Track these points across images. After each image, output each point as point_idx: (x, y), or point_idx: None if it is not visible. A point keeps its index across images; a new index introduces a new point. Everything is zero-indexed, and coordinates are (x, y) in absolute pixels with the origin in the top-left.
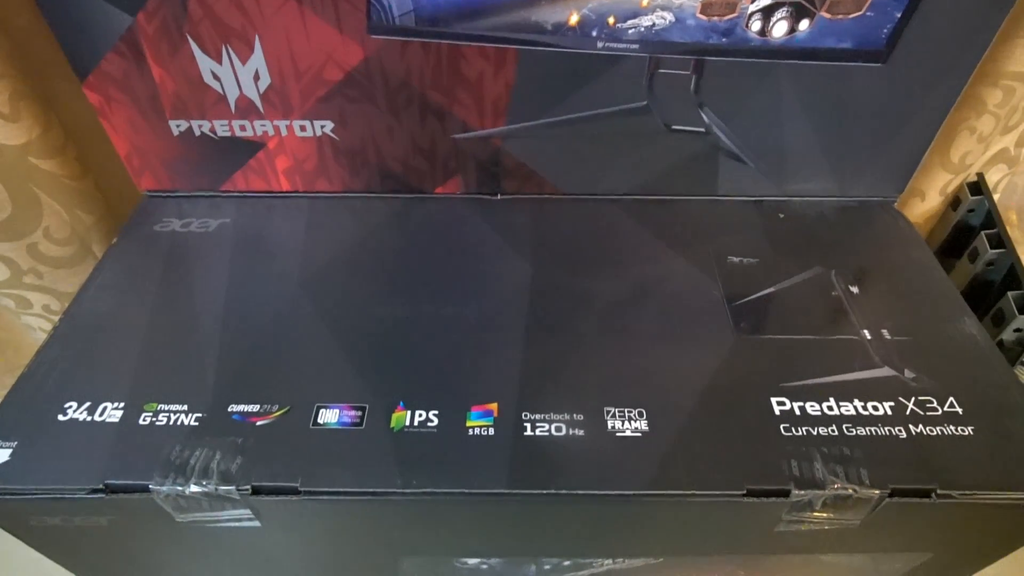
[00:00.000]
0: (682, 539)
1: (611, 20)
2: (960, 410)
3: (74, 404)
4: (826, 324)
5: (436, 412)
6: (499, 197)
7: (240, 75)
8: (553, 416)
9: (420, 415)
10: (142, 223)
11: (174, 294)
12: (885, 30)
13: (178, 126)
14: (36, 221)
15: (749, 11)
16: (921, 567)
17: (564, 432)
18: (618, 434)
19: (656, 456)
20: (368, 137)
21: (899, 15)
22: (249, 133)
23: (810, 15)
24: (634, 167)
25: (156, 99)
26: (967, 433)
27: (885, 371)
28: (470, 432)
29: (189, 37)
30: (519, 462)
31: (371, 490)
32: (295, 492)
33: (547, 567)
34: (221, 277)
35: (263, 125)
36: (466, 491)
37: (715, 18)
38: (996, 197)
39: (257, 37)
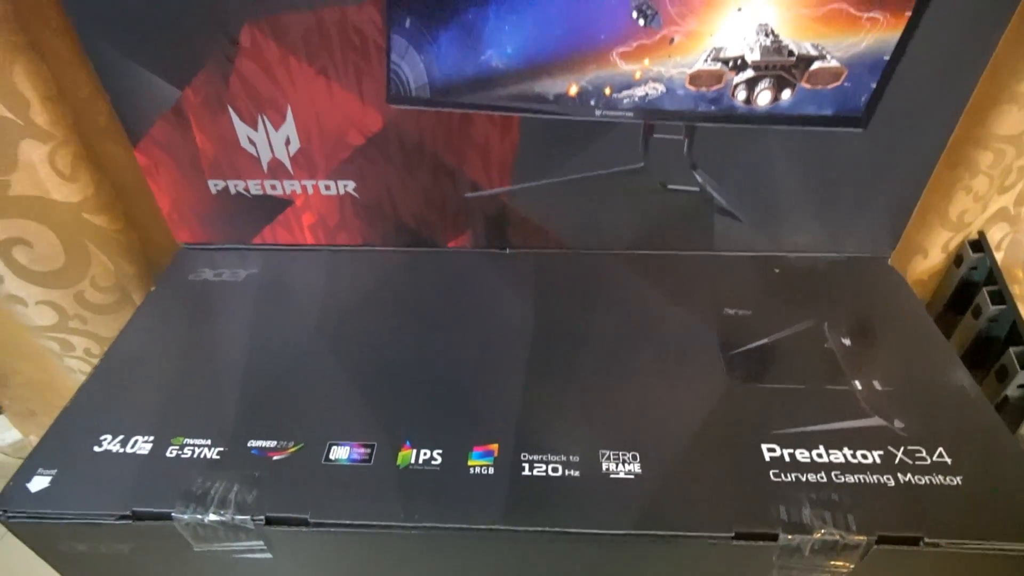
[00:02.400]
0: None
1: (607, 91)
2: (949, 460)
3: (108, 436)
4: (818, 374)
5: (440, 451)
6: (507, 251)
7: (273, 140)
8: (550, 457)
9: (425, 453)
10: (178, 273)
11: (203, 338)
12: (863, 98)
13: (215, 185)
14: (84, 271)
15: (734, 82)
16: None
17: (560, 472)
18: (612, 476)
19: (648, 498)
20: (385, 195)
21: (874, 85)
22: (279, 192)
23: (791, 85)
24: (633, 223)
25: (197, 161)
26: (956, 483)
27: (875, 420)
28: (471, 471)
29: (229, 107)
30: (516, 500)
31: (376, 523)
32: (305, 523)
33: None
34: (246, 322)
35: (292, 184)
36: (464, 526)
37: (703, 88)
38: (999, 255)
39: (289, 107)
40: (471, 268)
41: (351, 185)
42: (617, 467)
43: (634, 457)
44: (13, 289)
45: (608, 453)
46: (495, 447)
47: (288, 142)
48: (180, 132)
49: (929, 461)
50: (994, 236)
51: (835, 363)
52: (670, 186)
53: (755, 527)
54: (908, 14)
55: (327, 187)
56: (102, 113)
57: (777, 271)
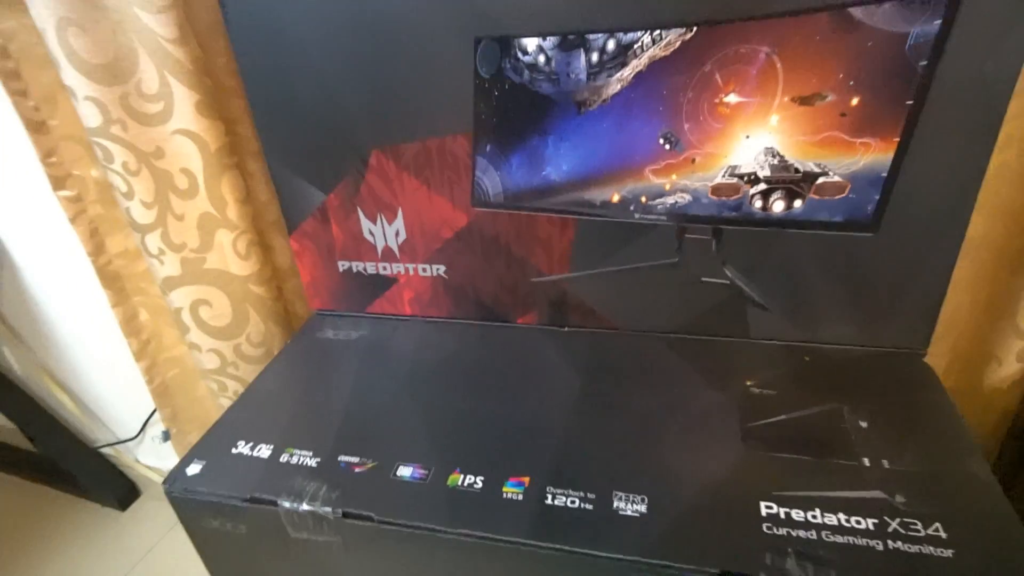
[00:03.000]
0: None
1: (643, 199)
2: (944, 535)
3: (242, 443)
4: (829, 450)
5: (482, 478)
6: (566, 329)
7: (387, 232)
8: (570, 492)
9: (470, 479)
10: (308, 332)
11: (319, 380)
12: (869, 207)
13: (343, 265)
14: (244, 328)
15: (751, 193)
16: None
17: (577, 505)
18: (621, 512)
19: (649, 533)
20: (468, 278)
21: (877, 196)
22: (388, 272)
23: (802, 196)
24: (674, 310)
25: (332, 247)
26: (947, 555)
27: (876, 493)
28: (504, 495)
29: (358, 208)
30: (539, 522)
31: (426, 525)
32: (371, 520)
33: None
34: (353, 371)
35: (398, 267)
36: (495, 536)
37: (724, 197)
38: None
39: (400, 208)
40: (534, 341)
41: (442, 269)
42: (626, 506)
43: (642, 500)
44: (194, 338)
45: (620, 494)
46: (527, 479)
47: (397, 234)
48: (322, 226)
49: (923, 533)
50: None
51: (848, 441)
52: (703, 279)
53: (740, 568)
54: (897, 139)
55: (424, 270)
56: (273, 212)
57: (807, 359)
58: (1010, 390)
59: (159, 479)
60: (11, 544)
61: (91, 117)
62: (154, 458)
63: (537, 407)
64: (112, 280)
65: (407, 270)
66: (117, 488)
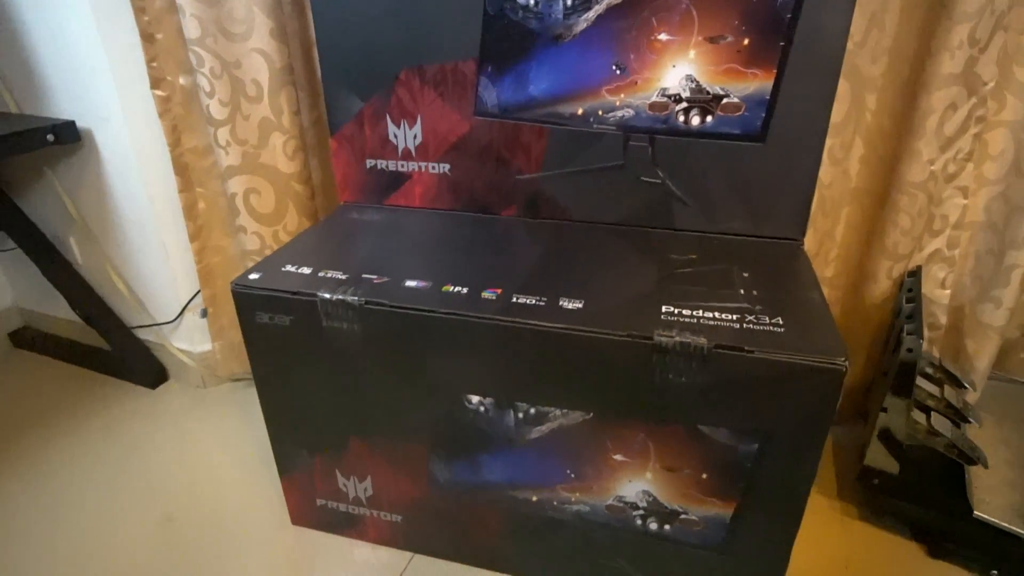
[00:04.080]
0: (605, 390)
1: (600, 112)
2: (781, 321)
3: (289, 266)
4: (717, 285)
5: (467, 289)
6: (537, 221)
7: (407, 136)
8: (530, 297)
9: (458, 288)
10: (337, 215)
11: (345, 238)
12: (759, 122)
13: (370, 163)
14: (282, 218)
15: (676, 110)
16: None
17: (534, 303)
18: (564, 307)
19: (582, 317)
20: (466, 175)
21: (763, 114)
22: (405, 169)
23: (712, 113)
24: (619, 203)
25: (363, 147)
26: (780, 331)
27: (743, 305)
28: (482, 296)
29: (387, 115)
30: (506, 310)
31: (426, 307)
32: (386, 305)
33: (520, 415)
34: (372, 236)
35: (413, 165)
36: (475, 314)
37: (657, 113)
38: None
39: (419, 116)
40: (512, 226)
41: (447, 167)
42: (568, 304)
43: (580, 302)
44: (242, 221)
45: (565, 299)
46: (499, 291)
47: (416, 137)
48: (358, 129)
49: (768, 321)
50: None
51: (732, 282)
52: (642, 178)
53: (641, 332)
54: (775, 71)
55: (433, 167)
56: (320, 117)
57: (716, 242)
58: (884, 305)
59: (189, 362)
60: (50, 418)
61: (193, 29)
62: (187, 342)
63: (510, 258)
64: (182, 169)
65: (420, 168)
66: (150, 369)
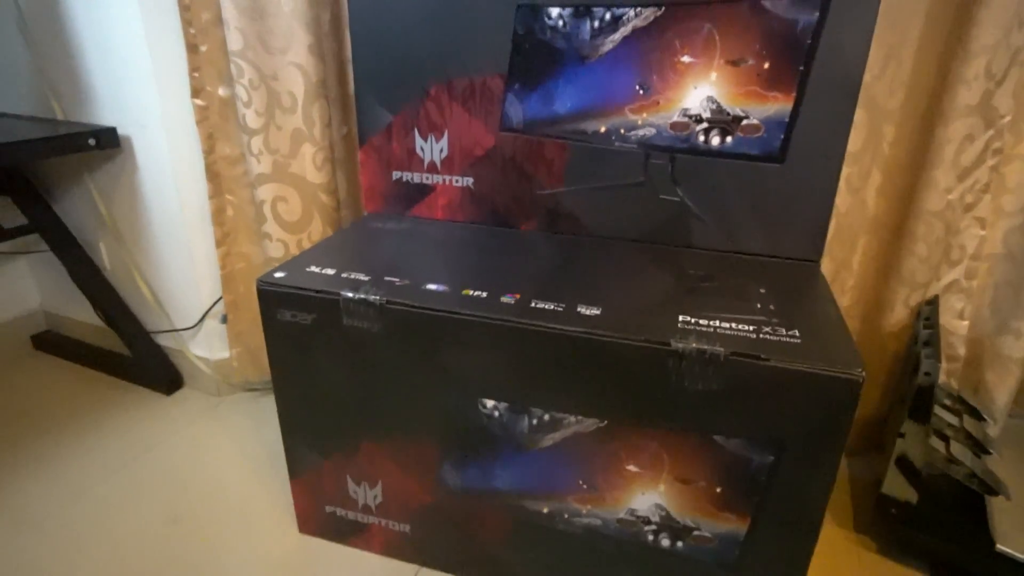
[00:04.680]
0: (621, 397)
1: (622, 131)
2: (798, 334)
3: (313, 267)
4: (734, 298)
5: (485, 293)
6: (556, 234)
7: (434, 150)
8: (549, 302)
9: (478, 292)
10: (360, 223)
11: (368, 243)
12: (777, 143)
13: (396, 175)
14: (307, 227)
15: (696, 130)
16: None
17: (552, 308)
18: (582, 313)
19: (600, 322)
20: (489, 189)
21: (783, 136)
22: (430, 182)
23: (731, 134)
24: (638, 220)
25: (391, 160)
26: (797, 342)
27: (760, 317)
28: (501, 300)
29: (415, 128)
30: (525, 313)
31: (445, 308)
32: (406, 305)
33: (534, 421)
34: (394, 243)
35: (438, 178)
36: (493, 316)
37: (679, 132)
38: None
39: (446, 129)
40: (532, 239)
41: (471, 180)
42: (586, 310)
43: (598, 308)
44: (268, 228)
45: (583, 305)
46: (518, 295)
47: (442, 151)
48: (386, 141)
49: (784, 332)
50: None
51: (749, 296)
52: (661, 196)
53: (658, 339)
54: (794, 94)
55: (457, 181)
56: (350, 132)
57: (733, 260)
58: (901, 334)
59: (205, 369)
60: (66, 420)
61: (235, 41)
62: (205, 350)
63: (529, 266)
64: (214, 176)
65: (444, 180)
66: (167, 376)
